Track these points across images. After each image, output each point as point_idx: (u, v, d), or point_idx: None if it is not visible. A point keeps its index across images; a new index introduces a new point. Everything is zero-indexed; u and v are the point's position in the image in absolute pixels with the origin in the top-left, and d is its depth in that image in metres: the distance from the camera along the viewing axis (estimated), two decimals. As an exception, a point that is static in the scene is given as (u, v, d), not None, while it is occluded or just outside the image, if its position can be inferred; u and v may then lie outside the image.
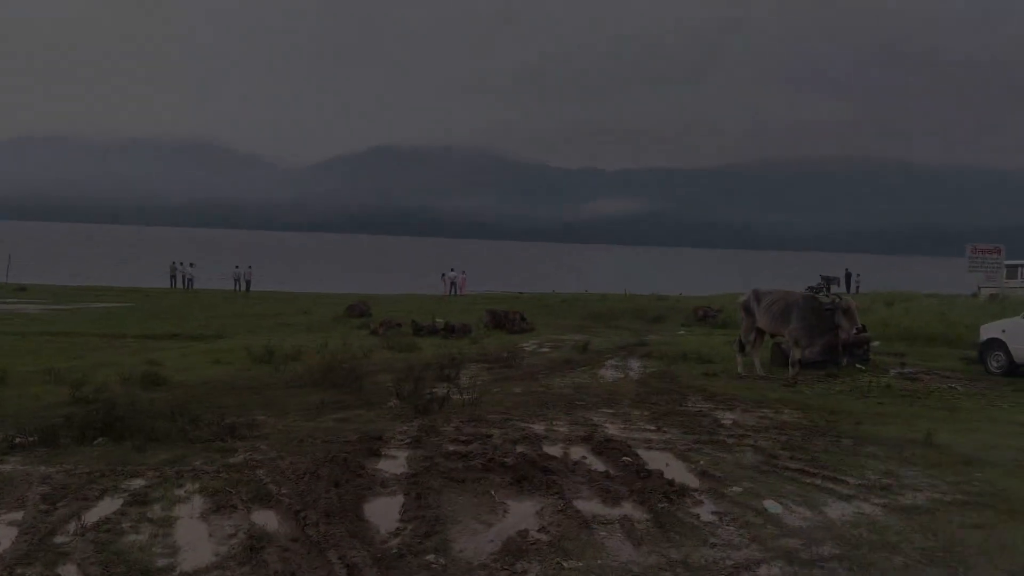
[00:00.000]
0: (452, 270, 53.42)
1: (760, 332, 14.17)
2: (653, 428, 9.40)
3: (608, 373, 14.30)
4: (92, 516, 5.66)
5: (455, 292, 50.20)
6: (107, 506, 5.86)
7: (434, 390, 11.00)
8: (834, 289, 15.92)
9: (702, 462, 7.90)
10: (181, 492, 6.14)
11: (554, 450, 8.10)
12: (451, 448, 7.87)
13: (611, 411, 10.44)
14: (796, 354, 13.43)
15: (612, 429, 9.26)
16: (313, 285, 58.02)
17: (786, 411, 10.85)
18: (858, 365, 14.67)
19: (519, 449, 7.96)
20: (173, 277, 49.83)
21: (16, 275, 55.78)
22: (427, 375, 12.52)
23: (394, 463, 7.39)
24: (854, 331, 12.99)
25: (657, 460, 7.92)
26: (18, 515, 5.64)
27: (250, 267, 50.51)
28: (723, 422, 9.93)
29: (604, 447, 8.16)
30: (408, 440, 8.18)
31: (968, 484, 7.44)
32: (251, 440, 8.12)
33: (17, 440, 7.57)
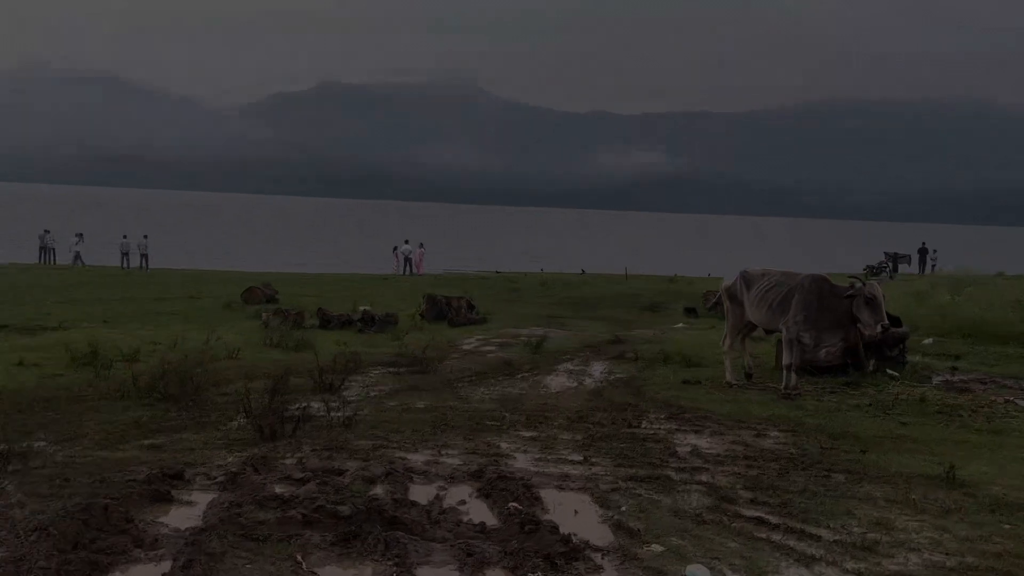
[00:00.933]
0: (407, 243, 52.70)
1: (751, 327, 13.58)
2: (578, 459, 8.81)
3: (555, 381, 13.74)
4: None
5: (410, 271, 49.60)
6: None
7: (303, 405, 10.43)
8: (903, 268, 15.25)
9: (624, 508, 7.32)
10: None
11: (423, 492, 7.50)
12: (276, 490, 7.25)
13: (532, 434, 9.85)
14: (788, 357, 12.81)
15: (520, 461, 8.67)
16: (229, 261, 57.46)
17: (772, 434, 10.29)
18: (889, 371, 14.10)
19: (373, 491, 7.36)
20: (42, 249, 49.07)
21: None
22: (293, 385, 12.04)
23: (184, 513, 6.77)
24: (879, 328, 12.28)
25: (562, 506, 7.33)
26: None
27: (145, 237, 49.62)
28: (679, 450, 9.35)
29: (495, 487, 7.56)
30: (222, 478, 7.55)
31: (987, 541, 6.88)
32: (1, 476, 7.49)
33: None
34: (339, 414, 10.16)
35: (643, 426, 10.49)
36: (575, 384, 13.57)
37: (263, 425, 9.32)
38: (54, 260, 48.39)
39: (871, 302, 12.17)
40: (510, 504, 7.10)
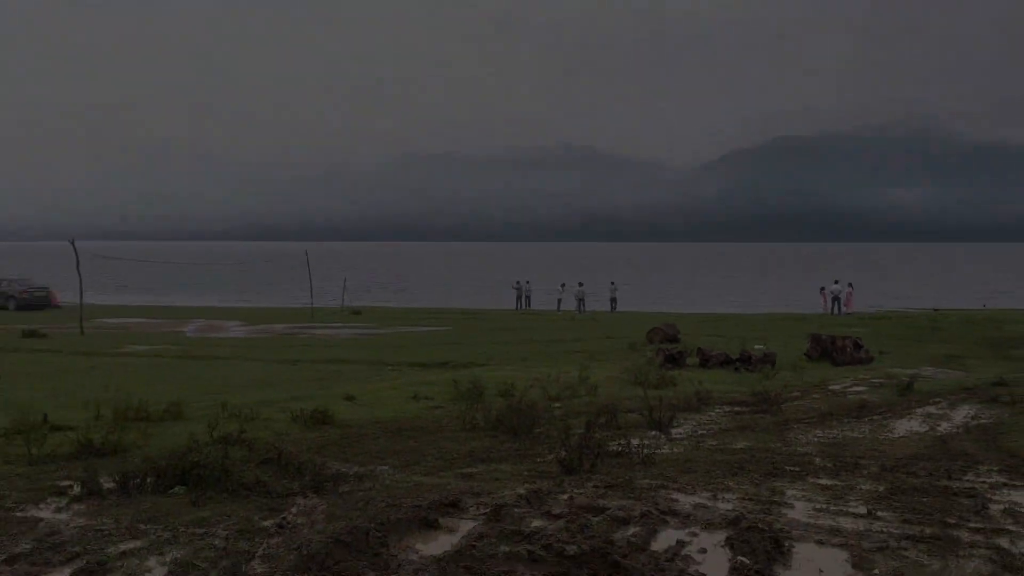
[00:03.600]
0: (836, 283, 50.47)
1: None
2: (862, 512, 7.59)
3: (904, 426, 12.08)
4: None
5: (838, 310, 47.27)
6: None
7: (621, 441, 10.17)
8: None
9: (877, 571, 6.16)
10: (136, 563, 6.15)
11: (669, 537, 6.86)
12: (533, 524, 7.03)
13: (830, 482, 8.67)
14: None
15: (797, 510, 7.64)
16: (681, 304, 58.46)
17: None
18: None
19: (618, 532, 6.87)
20: (518, 297, 53.32)
21: (371, 297, 63.79)
22: (626, 421, 11.76)
23: (439, 541, 6.76)
24: None
25: (809, 563, 6.32)
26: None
27: (580, 284, 52.54)
28: (991, 508, 7.71)
29: (742, 538, 6.72)
30: (487, 510, 7.48)
31: None
32: (328, 496, 8.02)
33: (111, 484, 8.24)
34: (643, 451, 9.71)
35: (966, 479, 8.83)
36: (925, 429, 11.83)
37: (562, 459, 9.15)
38: (528, 305, 52.21)
39: None
40: (738, 558, 6.28)
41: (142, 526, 6.99)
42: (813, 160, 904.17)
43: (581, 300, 51.49)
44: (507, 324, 37.21)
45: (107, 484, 8.25)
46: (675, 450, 10.32)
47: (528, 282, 54.83)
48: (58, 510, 7.63)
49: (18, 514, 7.49)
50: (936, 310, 48.10)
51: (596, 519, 7.20)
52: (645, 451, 9.86)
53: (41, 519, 7.32)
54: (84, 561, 6.08)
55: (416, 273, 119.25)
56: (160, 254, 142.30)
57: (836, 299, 48.53)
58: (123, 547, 6.47)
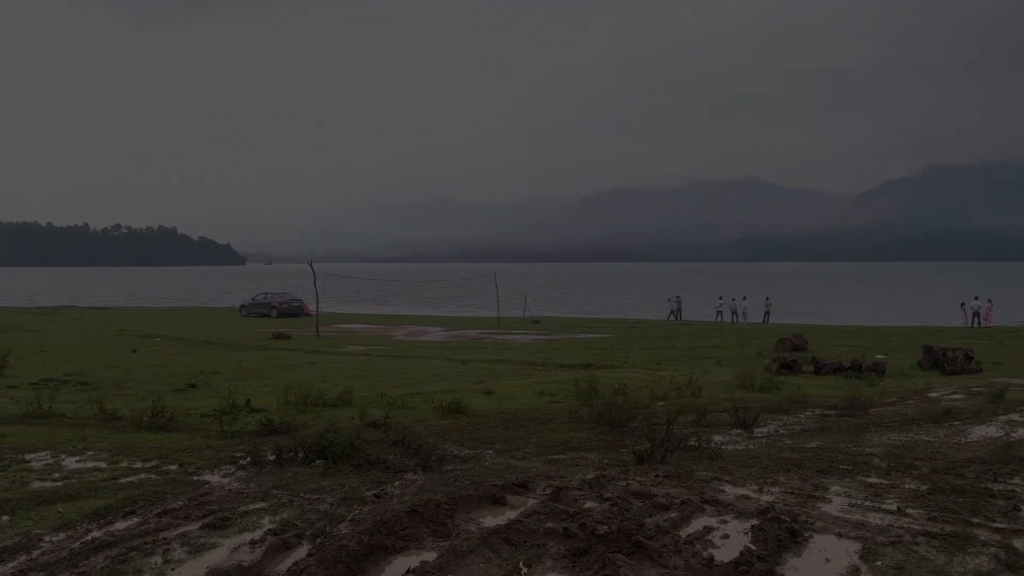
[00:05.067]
0: (976, 299, 46.40)
1: None
2: (893, 508, 6.93)
3: (981, 431, 10.89)
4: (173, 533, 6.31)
5: (978, 324, 43.33)
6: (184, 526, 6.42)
7: (703, 437, 9.80)
8: None
9: (880, 563, 5.62)
10: (253, 520, 6.49)
11: (701, 523, 6.53)
12: (584, 505, 6.90)
13: (877, 480, 7.96)
14: None
15: (832, 504, 7.07)
16: (826, 318, 55.54)
17: None
18: None
19: (656, 517, 6.61)
20: (674, 310, 52.43)
21: (555, 309, 64.23)
22: (714, 420, 11.30)
23: (499, 517, 6.74)
24: None
25: (820, 552, 5.87)
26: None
27: (744, 299, 51.02)
28: (1023, 508, 6.85)
29: (766, 527, 6.30)
30: (551, 491, 7.38)
31: None
32: (433, 474, 8.16)
33: (271, 456, 8.77)
34: (712, 446, 9.27)
35: (1012, 482, 7.86)
36: (1000, 435, 10.60)
37: (637, 451, 8.89)
38: (679, 318, 51.00)
39: None
40: (746, 544, 5.89)
41: (275, 491, 7.39)
42: (965, 186, 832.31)
43: (735, 312, 49.80)
44: (663, 332, 36.40)
45: (269, 456, 8.77)
46: (749, 447, 9.78)
47: (678, 297, 53.62)
48: (224, 476, 8.18)
49: (194, 477, 8.10)
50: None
51: (639, 504, 6.98)
52: (715, 446, 9.44)
53: (207, 482, 7.88)
54: (214, 517, 6.50)
55: (600, 289, 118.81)
56: (405, 274, 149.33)
57: (976, 314, 44.64)
58: (250, 507, 6.87)
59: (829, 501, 7.19)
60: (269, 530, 6.16)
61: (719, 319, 49.64)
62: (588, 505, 6.94)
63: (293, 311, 47.88)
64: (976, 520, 6.57)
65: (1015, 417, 11.88)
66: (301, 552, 5.78)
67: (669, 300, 53.33)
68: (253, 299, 50.55)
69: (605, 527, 6.13)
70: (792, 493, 7.44)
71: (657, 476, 8.03)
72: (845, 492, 7.50)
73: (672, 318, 51.29)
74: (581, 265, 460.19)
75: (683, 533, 6.26)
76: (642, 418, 11.22)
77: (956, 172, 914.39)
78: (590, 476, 7.90)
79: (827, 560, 5.75)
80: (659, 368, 20.07)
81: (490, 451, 9.44)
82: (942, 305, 64.32)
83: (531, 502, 7.10)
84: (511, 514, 6.77)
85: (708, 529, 6.38)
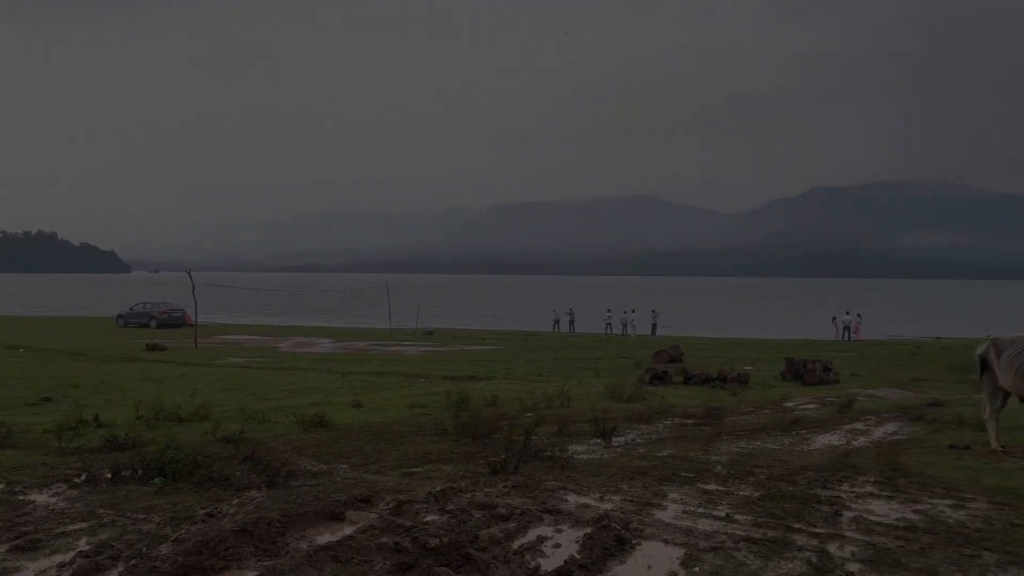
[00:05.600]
0: (847, 313, 48.94)
1: (1006, 394, 10.16)
2: (721, 514, 7.17)
3: (824, 440, 11.43)
4: None
5: (848, 337, 45.66)
6: None
7: (560, 447, 9.92)
8: None
9: (698, 569, 5.79)
10: (67, 542, 6.16)
11: (536, 532, 6.58)
12: (421, 520, 6.84)
13: (714, 488, 8.23)
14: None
15: (667, 512, 7.25)
16: (710, 330, 57.68)
17: (973, 505, 7.54)
18: None
19: (491, 529, 6.62)
20: (570, 322, 53.48)
21: (453, 320, 64.13)
22: (575, 430, 11.45)
23: (334, 533, 6.59)
24: None
25: (643, 559, 6.01)
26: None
27: (633, 311, 52.42)
28: (844, 515, 7.20)
29: (595, 536, 6.42)
30: (393, 505, 7.30)
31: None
32: (278, 490, 7.94)
33: (107, 474, 8.32)
34: (566, 456, 9.40)
35: (840, 488, 8.27)
36: (842, 443, 11.16)
37: (491, 462, 8.92)
38: (558, 328, 51.87)
39: None
40: (571, 553, 5.98)
41: (101, 510, 7.03)
42: (845, 207, 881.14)
43: (624, 324, 51.05)
44: (553, 344, 36.84)
45: (106, 474, 8.35)
46: (604, 456, 9.96)
47: (572, 310, 54.68)
48: (53, 495, 7.73)
49: (19, 497, 7.62)
50: (938, 339, 45.88)
51: (480, 515, 6.98)
52: (570, 456, 9.58)
53: (32, 502, 7.43)
54: (25, 540, 6.12)
55: (501, 301, 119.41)
56: (303, 283, 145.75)
57: (847, 328, 47.07)
58: (69, 528, 6.50)
59: (665, 508, 7.39)
60: (81, 552, 5.84)
61: (608, 331, 50.78)
62: (429, 518, 6.90)
63: (174, 322, 46.04)
64: (798, 525, 6.87)
65: (858, 426, 12.55)
66: (113, 575, 5.51)
67: (565, 312, 54.15)
68: (131, 309, 48.38)
69: (437, 540, 6.10)
70: (631, 501, 7.61)
71: (506, 487, 8.07)
72: (682, 499, 7.72)
73: (556, 328, 52.29)
74: (487, 277, 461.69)
75: (516, 544, 6.30)
76: (506, 429, 11.26)
77: (838, 193, 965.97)
78: (437, 489, 7.86)
79: (649, 567, 5.89)
80: (540, 380, 20.27)
81: (345, 466, 9.27)
82: (817, 319, 67.62)
83: (371, 517, 7.00)
84: (348, 530, 6.66)
85: (542, 539, 6.44)
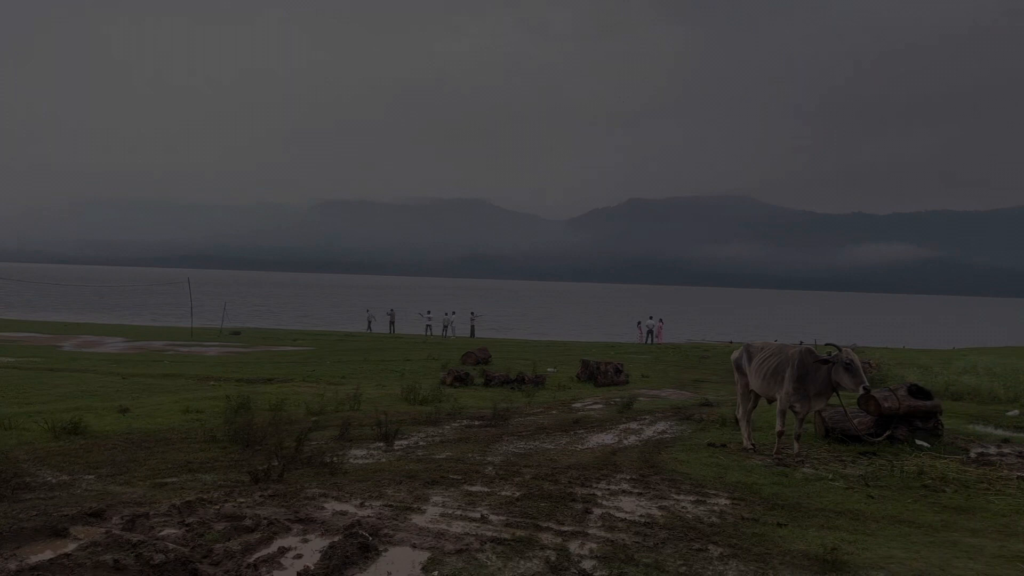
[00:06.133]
0: (651, 318, 51.30)
1: (756, 396, 11.08)
2: (477, 516, 7.23)
3: (599, 439, 11.88)
4: None
5: (651, 341, 47.97)
6: None
7: (337, 452, 9.65)
8: None
9: (436, 573, 5.78)
10: None
11: (278, 544, 6.34)
12: (157, 535, 6.41)
13: (478, 489, 8.33)
14: (780, 424, 10.29)
15: (425, 515, 7.24)
16: (527, 333, 59.04)
17: (713, 501, 8.08)
18: (919, 442, 11.01)
19: (230, 543, 6.31)
20: (370, 322, 53.10)
21: (269, 321, 61.66)
22: (357, 434, 11.24)
23: (55, 551, 6.03)
24: (861, 389, 9.68)
25: (386, 564, 5.93)
26: None
27: (453, 312, 52.72)
28: (593, 512, 7.48)
29: (340, 544, 6.26)
30: (127, 519, 6.80)
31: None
32: (5, 504, 7.19)
33: None
34: (334, 461, 9.19)
35: (597, 486, 8.61)
36: (614, 442, 11.66)
37: (252, 470, 8.54)
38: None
39: (849, 367, 9.68)
40: (306, 565, 5.81)
41: None
42: (660, 219, 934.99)
43: (445, 326, 51.20)
44: (365, 346, 36.20)
45: None
46: (381, 460, 9.83)
47: (392, 311, 54.30)
48: None
49: None
50: (731, 343, 49.18)
51: (223, 527, 6.64)
52: (341, 461, 9.37)
53: None
54: None
55: (320, 300, 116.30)
56: (108, 276, 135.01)
57: (650, 332, 49.23)
58: None
59: (423, 512, 7.36)
60: None
61: (428, 333, 50.73)
62: (165, 532, 6.48)
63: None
64: (547, 524, 7.05)
65: (633, 425, 13.16)
66: None
67: (385, 312, 53.61)
68: None
69: (163, 556, 5.73)
70: (391, 506, 7.52)
71: (263, 496, 7.75)
72: (443, 502, 7.73)
73: (370, 329, 51.88)
74: (308, 275, 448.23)
75: (254, 556, 6.03)
76: (277, 436, 10.86)
77: (652, 205, 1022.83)
78: (183, 501, 7.41)
79: (389, 573, 5.83)
80: (341, 382, 19.84)
81: (91, 476, 8.57)
82: (627, 323, 71.10)
83: (99, 533, 6.47)
84: (71, 547, 6.11)
85: (283, 550, 6.20)
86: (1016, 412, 14.47)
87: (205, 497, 7.56)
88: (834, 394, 10.24)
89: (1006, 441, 11.84)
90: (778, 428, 10.34)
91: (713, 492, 8.46)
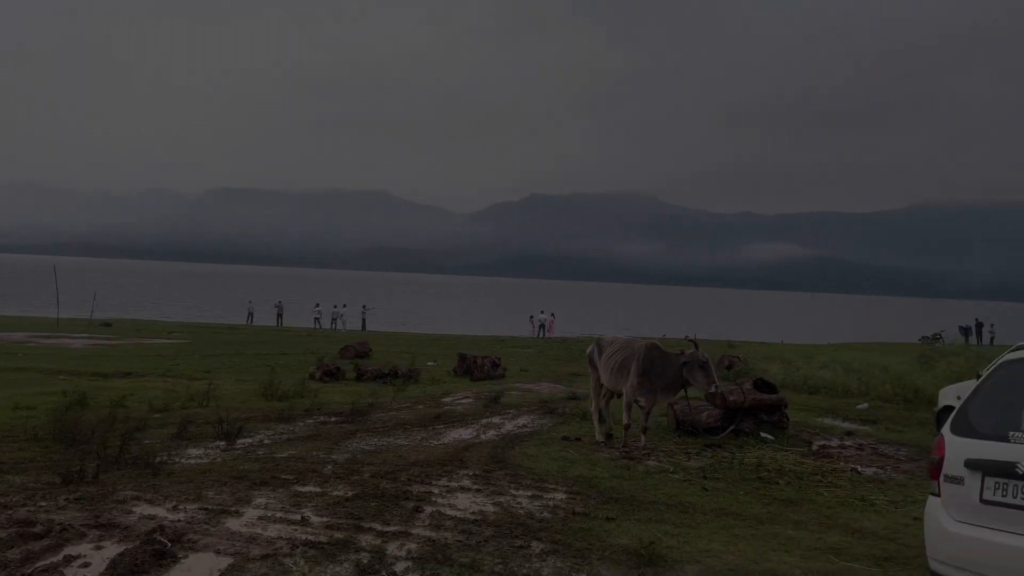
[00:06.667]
0: (542, 312, 51.69)
1: (609, 390, 11.18)
2: (297, 518, 6.89)
3: (456, 435, 11.64)
4: None
5: (543, 335, 48.25)
6: None
7: (165, 452, 9.09)
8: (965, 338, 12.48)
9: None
10: None
11: (68, 551, 5.85)
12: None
13: (308, 490, 7.98)
14: (626, 418, 10.41)
15: (244, 517, 6.84)
16: (423, 327, 58.45)
17: (550, 496, 8.01)
18: (764, 434, 11.33)
19: (11, 551, 5.78)
20: (250, 314, 51.94)
21: (148, 312, 58.95)
22: (196, 432, 10.68)
23: None
24: (712, 388, 9.89)
25: (181, 569, 5.53)
26: None
27: (345, 306, 51.65)
28: (424, 511, 7.26)
29: (135, 550, 5.83)
30: (-100, 526, 6.16)
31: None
32: None
33: None
34: (169, 461, 8.67)
35: (438, 483, 8.40)
36: (471, 437, 11.48)
37: (64, 471, 7.93)
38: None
39: (704, 367, 9.83)
40: (88, 574, 5.37)
41: None
42: (560, 215, 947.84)
43: (334, 319, 50.29)
44: (244, 339, 34.95)
45: None
46: (216, 459, 9.34)
47: (280, 303, 52.91)
48: None
49: None
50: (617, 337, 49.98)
51: (7, 534, 6.07)
52: (171, 461, 8.85)
53: None
54: None
55: (207, 291, 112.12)
56: None
57: (542, 326, 49.60)
58: None
59: (241, 515, 6.97)
60: None
61: (318, 326, 49.67)
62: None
63: None
64: (371, 525, 6.79)
65: (496, 420, 13.04)
66: None
67: (273, 305, 52.17)
68: None
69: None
70: (207, 509, 7.09)
71: (67, 500, 7.19)
72: (266, 504, 7.36)
73: (251, 322, 50.66)
74: (200, 265, 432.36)
75: (35, 567, 5.53)
76: (104, 434, 10.20)
77: (553, 201, 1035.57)
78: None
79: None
80: (206, 377, 18.98)
81: None
82: (523, 317, 71.55)
83: None
84: None
85: (70, 559, 5.71)
86: (865, 406, 15.14)
87: (1, 501, 6.95)
88: (683, 390, 10.39)
89: (849, 434, 12.33)
90: (624, 422, 10.42)
91: (552, 487, 8.40)
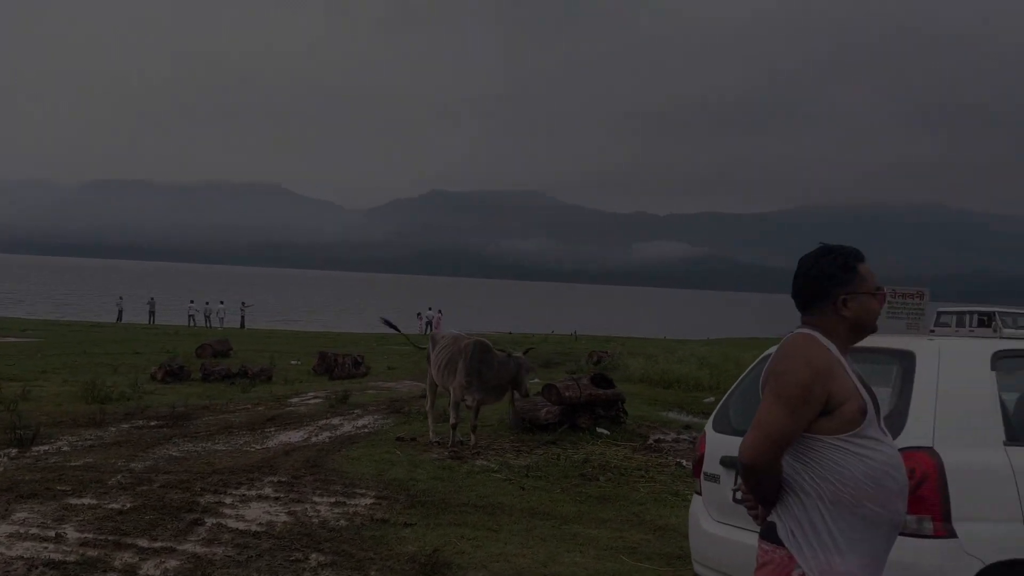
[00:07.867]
0: (430, 309, 51.34)
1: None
2: (52, 534, 6.21)
3: (286, 437, 11.01)
4: None
5: (430, 331, 47.73)
6: None
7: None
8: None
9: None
10: None
11: None
12: None
13: (81, 502, 7.27)
14: (453, 417, 10.15)
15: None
16: (307, 323, 56.91)
17: (355, 502, 7.57)
18: (600, 430, 11.25)
19: None
20: (120, 311, 49.95)
21: (11, 309, 55.13)
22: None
23: None
24: (523, 393, 9.80)
25: None
26: None
27: (221, 303, 49.88)
28: (207, 523, 6.69)
29: None
30: None
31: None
32: None
33: None
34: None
35: (236, 492, 7.82)
36: (300, 440, 10.89)
37: None
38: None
39: (528, 372, 9.73)
40: None
41: None
42: (462, 210, 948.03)
43: (208, 316, 48.52)
44: (108, 337, 32.97)
45: None
46: (3, 470, 8.44)
47: (152, 299, 50.44)
48: None
49: None
50: (510, 333, 49.69)
51: None
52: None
53: None
54: None
55: (78, 287, 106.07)
56: None
57: (429, 323, 49.25)
58: None
59: (-11, 533, 6.24)
60: None
61: (192, 323, 47.69)
62: None
63: None
64: (136, 541, 6.18)
65: (336, 421, 12.49)
66: None
67: (145, 302, 49.78)
68: None
69: None
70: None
71: None
72: (25, 519, 6.63)
73: (120, 319, 48.43)
74: (71, 260, 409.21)
75: None
76: None
77: (452, 197, 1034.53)
78: None
79: None
80: (37, 378, 17.63)
81: None
82: (412, 314, 70.71)
83: None
84: None
85: None
86: (712, 399, 15.36)
87: None
88: (510, 391, 10.18)
89: (687, 427, 12.42)
90: (452, 421, 10.12)
91: (362, 492, 7.96)
